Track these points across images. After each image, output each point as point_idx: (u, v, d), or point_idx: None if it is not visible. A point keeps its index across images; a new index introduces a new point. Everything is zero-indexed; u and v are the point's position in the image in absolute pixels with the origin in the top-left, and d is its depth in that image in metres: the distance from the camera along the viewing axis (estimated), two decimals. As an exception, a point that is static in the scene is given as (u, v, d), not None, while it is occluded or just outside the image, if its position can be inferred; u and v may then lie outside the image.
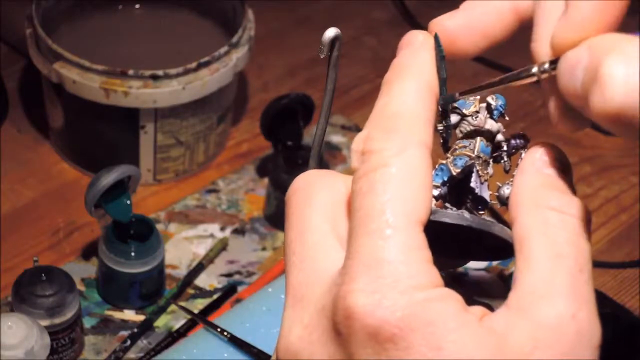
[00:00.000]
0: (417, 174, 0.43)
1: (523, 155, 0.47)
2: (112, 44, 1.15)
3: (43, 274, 0.93)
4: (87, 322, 1.00)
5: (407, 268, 0.42)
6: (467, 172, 0.48)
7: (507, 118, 0.49)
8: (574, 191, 0.46)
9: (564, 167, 0.46)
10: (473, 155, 0.48)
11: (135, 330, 0.99)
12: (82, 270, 1.04)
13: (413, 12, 1.34)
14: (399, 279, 0.42)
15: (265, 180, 1.13)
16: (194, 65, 1.06)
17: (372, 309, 0.41)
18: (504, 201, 0.47)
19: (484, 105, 0.49)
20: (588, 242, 0.44)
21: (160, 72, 1.04)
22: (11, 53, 1.25)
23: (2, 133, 1.17)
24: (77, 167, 1.14)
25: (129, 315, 1.01)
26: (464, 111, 0.48)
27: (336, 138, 1.19)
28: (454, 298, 0.42)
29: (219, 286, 1.04)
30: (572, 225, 0.44)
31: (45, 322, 0.92)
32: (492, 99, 0.49)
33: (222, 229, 1.09)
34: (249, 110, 1.22)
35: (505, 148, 0.48)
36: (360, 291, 0.42)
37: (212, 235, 1.08)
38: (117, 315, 1.01)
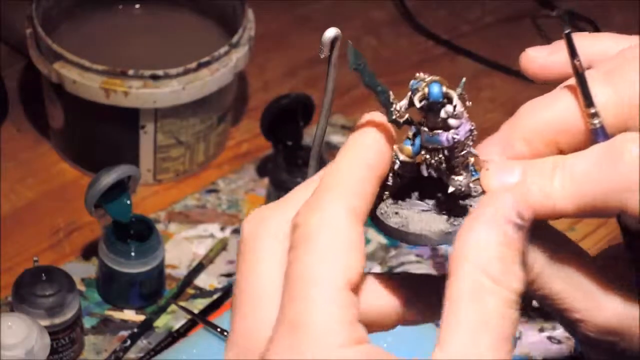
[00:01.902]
0: (342, 239, 0.46)
1: (470, 151, 0.48)
2: (112, 44, 1.15)
3: (43, 274, 0.94)
4: (87, 322, 1.00)
5: (330, 327, 0.44)
6: (411, 166, 0.50)
7: (468, 103, 0.49)
8: (526, 250, 0.47)
9: (521, 225, 0.47)
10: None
11: (135, 330, 0.99)
12: (82, 270, 1.04)
13: (413, 12, 1.34)
14: (321, 338, 0.43)
15: (265, 180, 1.13)
16: (194, 65, 1.06)
17: None
18: (460, 191, 0.49)
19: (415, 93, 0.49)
20: (517, 311, 0.45)
21: (160, 72, 1.04)
22: (11, 53, 1.25)
23: (2, 133, 1.17)
24: (77, 167, 1.14)
25: (129, 315, 1.01)
26: (395, 105, 0.49)
27: (336, 138, 1.19)
28: (378, 353, 0.44)
29: (219, 286, 1.04)
30: (507, 298, 0.45)
31: (45, 322, 0.92)
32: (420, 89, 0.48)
33: (222, 229, 1.09)
34: (249, 110, 1.22)
35: (444, 142, 0.48)
36: (283, 350, 0.43)
37: (212, 235, 1.08)
38: (117, 315, 1.01)
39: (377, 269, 1.05)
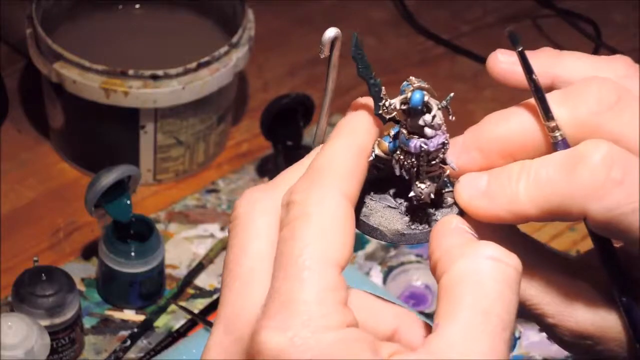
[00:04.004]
0: (336, 221, 0.46)
1: (441, 164, 0.49)
2: (112, 44, 1.15)
3: (43, 274, 0.94)
4: (87, 322, 1.00)
5: (320, 308, 0.44)
6: (385, 165, 0.51)
7: (451, 118, 0.50)
8: None
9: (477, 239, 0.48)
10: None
11: (135, 330, 0.99)
12: (82, 270, 1.04)
13: (413, 12, 1.34)
14: (312, 318, 0.44)
15: (265, 180, 1.13)
16: (194, 65, 1.06)
17: (283, 347, 0.43)
18: (418, 199, 0.50)
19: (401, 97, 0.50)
20: (517, 295, 0.45)
21: (160, 72, 1.04)
22: (11, 53, 1.25)
23: (2, 133, 1.17)
24: (77, 167, 1.14)
25: (129, 315, 1.01)
26: (385, 101, 0.50)
27: (336, 138, 1.19)
28: (363, 339, 0.44)
29: (219, 286, 1.04)
30: (507, 276, 0.45)
31: (45, 322, 0.92)
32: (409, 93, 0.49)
33: (222, 229, 1.09)
34: (249, 110, 1.22)
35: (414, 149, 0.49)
36: (273, 328, 0.44)
37: (212, 235, 1.08)
38: (117, 315, 1.01)
39: (377, 269, 1.05)
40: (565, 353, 0.99)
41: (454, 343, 0.43)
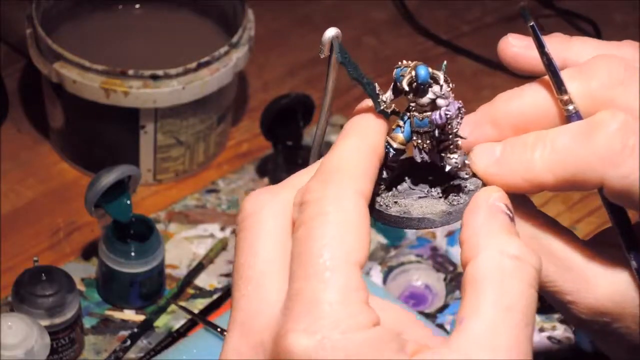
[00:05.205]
0: (353, 220, 0.46)
1: (458, 123, 0.49)
2: (112, 44, 1.15)
3: (43, 274, 0.93)
4: (87, 322, 1.00)
5: (347, 309, 0.44)
6: (400, 154, 0.51)
7: (452, 85, 0.50)
8: None
9: (513, 217, 0.48)
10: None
11: (135, 330, 0.99)
12: (82, 270, 1.04)
13: (413, 12, 1.34)
14: (339, 319, 0.43)
15: (265, 180, 1.13)
16: (194, 65, 1.06)
17: (315, 350, 0.43)
18: (456, 169, 0.50)
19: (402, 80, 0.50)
20: (537, 294, 0.46)
21: (160, 72, 1.04)
22: (11, 53, 1.25)
23: (2, 133, 1.17)
24: (77, 167, 1.14)
25: (129, 315, 1.01)
26: (381, 97, 0.50)
27: (336, 138, 1.19)
28: (392, 338, 0.44)
29: (219, 286, 1.04)
30: (528, 275, 0.45)
31: (45, 322, 0.92)
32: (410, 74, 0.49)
33: (222, 229, 1.09)
34: (249, 110, 1.22)
35: (436, 121, 0.50)
36: (301, 331, 0.43)
37: (212, 235, 1.08)
38: (117, 315, 1.01)
39: (377, 269, 1.05)
40: (565, 353, 0.99)
41: (478, 339, 0.44)
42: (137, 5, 1.19)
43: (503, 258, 0.45)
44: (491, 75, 1.26)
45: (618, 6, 1.40)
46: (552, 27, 1.35)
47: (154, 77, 1.05)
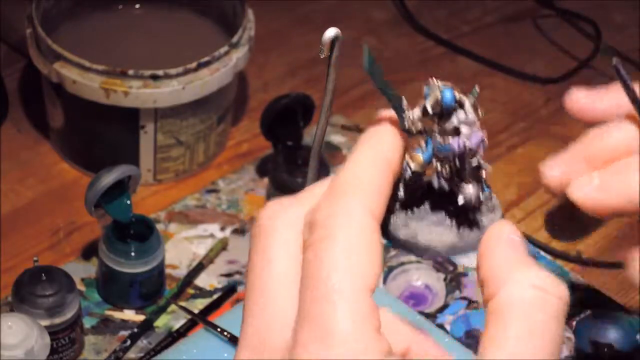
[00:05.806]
0: (363, 242, 0.44)
1: (481, 164, 0.48)
2: (112, 44, 1.15)
3: (43, 274, 0.93)
4: (87, 322, 1.00)
5: (358, 338, 0.43)
6: (417, 178, 0.49)
7: (481, 113, 0.48)
8: None
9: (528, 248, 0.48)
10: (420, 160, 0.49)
11: (135, 330, 0.99)
12: (82, 270, 1.04)
13: (413, 12, 1.34)
14: (350, 350, 0.42)
15: (265, 180, 1.13)
16: (194, 65, 1.06)
17: None
18: (470, 204, 0.48)
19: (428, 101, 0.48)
20: (562, 325, 0.45)
21: (160, 72, 1.04)
22: (11, 53, 1.25)
23: (2, 133, 1.17)
24: (77, 167, 1.14)
25: (129, 315, 1.01)
26: (408, 114, 0.48)
27: (336, 138, 1.19)
28: None
29: (219, 286, 1.04)
30: (553, 307, 0.44)
31: (45, 322, 0.92)
32: (435, 95, 0.48)
33: (222, 229, 1.09)
34: (249, 110, 1.22)
35: (454, 150, 0.48)
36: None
37: (212, 235, 1.08)
38: (117, 315, 1.01)
39: (377, 269, 1.04)
40: (565, 353, 0.99)
41: None
42: (137, 5, 1.19)
43: (527, 290, 0.44)
44: (491, 75, 1.26)
45: (618, 6, 1.40)
46: (552, 27, 1.35)
47: (154, 77, 1.05)
